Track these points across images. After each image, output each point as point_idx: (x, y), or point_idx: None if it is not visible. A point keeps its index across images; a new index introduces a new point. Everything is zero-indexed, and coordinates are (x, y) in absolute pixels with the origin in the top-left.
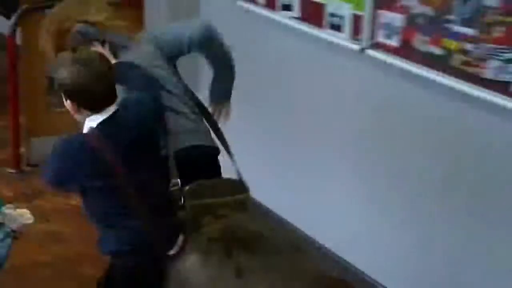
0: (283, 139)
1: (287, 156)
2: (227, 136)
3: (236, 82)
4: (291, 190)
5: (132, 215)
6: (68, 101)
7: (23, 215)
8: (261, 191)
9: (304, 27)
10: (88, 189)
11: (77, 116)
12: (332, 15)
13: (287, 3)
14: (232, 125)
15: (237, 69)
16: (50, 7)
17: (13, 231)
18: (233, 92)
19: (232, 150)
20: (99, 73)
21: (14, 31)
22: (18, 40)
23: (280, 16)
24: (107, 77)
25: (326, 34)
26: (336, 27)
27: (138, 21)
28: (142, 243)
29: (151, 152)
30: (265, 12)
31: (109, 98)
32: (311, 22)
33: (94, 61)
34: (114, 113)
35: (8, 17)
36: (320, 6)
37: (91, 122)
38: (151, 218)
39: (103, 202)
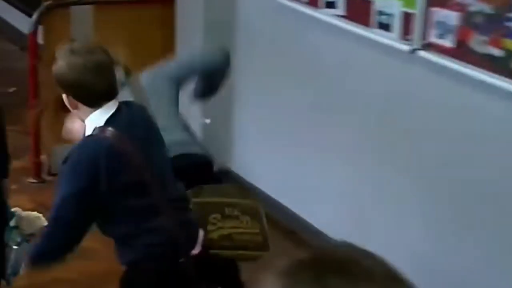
0: (320, 142)
1: (327, 159)
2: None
3: (273, 83)
4: (345, 197)
5: (159, 213)
6: (65, 95)
7: (40, 218)
8: (315, 200)
9: (349, 26)
10: (111, 194)
11: (77, 113)
12: (380, 13)
13: (331, 0)
14: (264, 126)
15: (276, 69)
16: (75, 3)
17: (29, 235)
18: (278, 93)
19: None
20: (98, 65)
21: (35, 29)
22: (40, 39)
23: (323, 14)
24: (107, 69)
25: (373, 34)
26: (385, 26)
27: (167, 20)
28: (171, 242)
29: (160, 147)
30: (307, 10)
31: (109, 93)
32: (357, 20)
33: (93, 52)
34: (119, 108)
35: (29, 14)
36: (367, 4)
37: (96, 120)
38: (175, 215)
39: (128, 206)
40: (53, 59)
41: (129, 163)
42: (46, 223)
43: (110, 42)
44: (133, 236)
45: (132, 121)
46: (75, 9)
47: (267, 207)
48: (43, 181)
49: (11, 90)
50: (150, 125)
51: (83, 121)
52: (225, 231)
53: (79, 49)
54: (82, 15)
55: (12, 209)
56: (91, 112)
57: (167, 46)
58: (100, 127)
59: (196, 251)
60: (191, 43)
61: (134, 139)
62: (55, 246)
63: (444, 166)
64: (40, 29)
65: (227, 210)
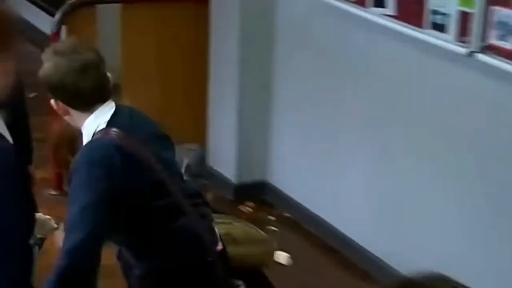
0: (364, 153)
1: (372, 172)
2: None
3: (315, 88)
4: (389, 213)
5: (182, 213)
6: (53, 100)
7: (50, 220)
8: (357, 215)
9: (400, 27)
10: (131, 195)
11: (69, 119)
12: (435, 12)
13: None
14: (304, 135)
15: (318, 73)
16: (101, 2)
17: (40, 239)
18: (319, 100)
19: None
20: (85, 65)
21: (58, 30)
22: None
23: (371, 14)
24: (95, 69)
25: (427, 35)
26: (439, 27)
27: (201, 19)
28: (197, 241)
29: (166, 144)
30: (353, 9)
31: (100, 94)
32: (409, 20)
33: (78, 51)
34: (117, 109)
35: (52, 14)
36: (420, 2)
37: (93, 125)
38: (195, 212)
39: (150, 207)
40: None
41: (141, 163)
42: (56, 226)
43: (139, 43)
44: (156, 240)
45: (135, 121)
46: (101, 8)
47: (306, 222)
48: (65, 194)
49: (32, 95)
50: (152, 124)
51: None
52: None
53: (64, 49)
54: (109, 14)
55: None
56: (84, 118)
57: (201, 48)
58: (102, 129)
59: (219, 247)
60: (226, 43)
61: (140, 138)
62: (83, 261)
63: (508, 173)
64: (64, 29)
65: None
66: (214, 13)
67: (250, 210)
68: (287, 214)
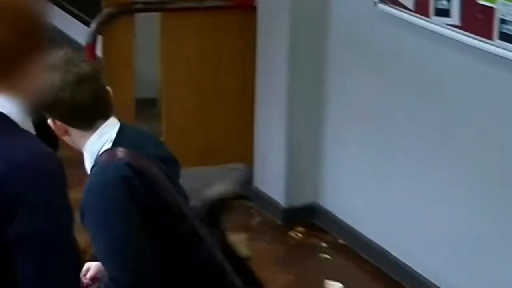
0: (427, 175)
1: (436, 196)
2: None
3: (371, 104)
4: (458, 241)
5: (198, 240)
6: (51, 120)
7: None
8: (422, 244)
9: (465, 37)
10: (155, 227)
11: (69, 140)
12: (504, 21)
13: (443, 7)
14: (359, 154)
15: (375, 87)
16: (141, 10)
17: None
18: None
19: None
20: (79, 76)
21: (94, 40)
22: (99, 51)
23: (433, 24)
24: (92, 80)
25: (494, 46)
26: (508, 38)
27: (247, 28)
28: (217, 267)
29: (172, 169)
30: (414, 18)
31: (100, 108)
32: (476, 31)
33: (71, 62)
34: (122, 128)
35: (87, 23)
36: (489, 11)
37: (97, 145)
38: (208, 234)
39: (165, 235)
40: (115, 74)
41: (155, 182)
42: None
43: (179, 55)
44: (178, 270)
45: (142, 140)
46: (139, 17)
47: (361, 249)
48: None
49: None
50: (158, 144)
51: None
52: None
53: (57, 62)
54: (148, 23)
55: None
56: (86, 137)
57: (246, 59)
58: (107, 149)
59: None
60: (274, 55)
61: (149, 157)
62: None
63: None
64: (100, 40)
65: None
66: (262, 22)
67: (300, 235)
68: (340, 240)
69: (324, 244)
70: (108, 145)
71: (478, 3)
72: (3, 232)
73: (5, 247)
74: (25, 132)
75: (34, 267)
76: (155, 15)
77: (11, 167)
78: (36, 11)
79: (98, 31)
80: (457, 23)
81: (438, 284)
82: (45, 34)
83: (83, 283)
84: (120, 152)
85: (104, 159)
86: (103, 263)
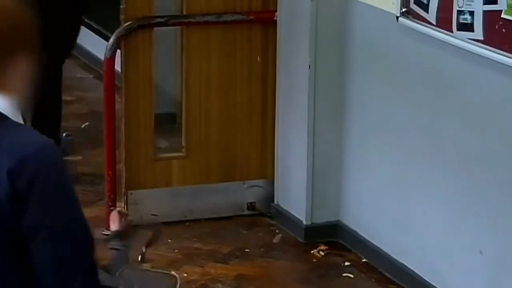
0: (452, 192)
1: (463, 214)
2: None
3: (394, 119)
4: (485, 260)
5: None
6: None
7: None
8: (448, 263)
9: (489, 52)
10: None
11: None
12: None
13: (466, 21)
14: (383, 170)
15: (397, 102)
16: (161, 24)
17: None
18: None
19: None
20: None
21: (113, 54)
22: (118, 65)
23: (456, 38)
24: None
25: None
26: None
27: (270, 43)
28: None
29: None
30: (436, 33)
31: None
32: (499, 46)
33: None
34: None
35: (106, 37)
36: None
37: None
38: None
39: None
40: (134, 89)
41: None
42: None
43: (200, 68)
44: None
45: None
46: (159, 31)
47: (386, 269)
48: None
49: (83, 125)
50: None
51: None
52: None
53: None
54: (167, 37)
55: None
56: None
57: (267, 73)
58: None
59: None
60: (295, 69)
61: None
62: None
63: None
64: (118, 54)
65: None
66: (282, 36)
67: (323, 254)
68: (364, 260)
69: (347, 263)
70: None
71: (502, 18)
72: (18, 224)
73: (21, 238)
74: (24, 126)
75: (51, 255)
76: (174, 29)
77: (20, 162)
78: (22, 9)
79: (117, 45)
80: (480, 37)
81: None
82: (33, 31)
83: None
84: None
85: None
86: None
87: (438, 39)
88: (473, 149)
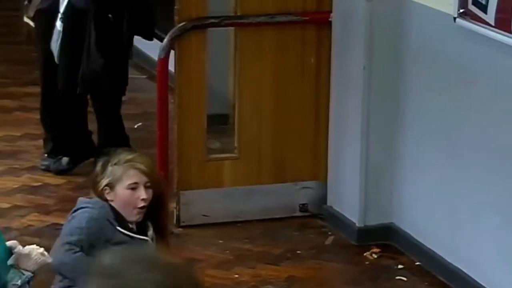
0: (505, 195)
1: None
2: None
3: (451, 120)
4: None
5: None
6: None
7: (44, 254)
8: (501, 268)
9: None
10: None
11: None
12: None
13: None
14: (438, 173)
15: (455, 103)
16: (214, 25)
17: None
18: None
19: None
20: None
21: (166, 55)
22: (171, 66)
23: None
24: None
25: None
26: None
27: (322, 43)
28: None
29: None
30: (495, 34)
31: None
32: None
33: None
34: None
35: (160, 38)
36: None
37: None
38: None
39: None
40: (187, 90)
41: None
42: (50, 260)
43: (253, 70)
44: None
45: None
46: (213, 32)
47: (439, 272)
48: (170, 233)
49: (136, 126)
50: None
51: None
52: None
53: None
54: (221, 38)
55: (8, 243)
56: None
57: (322, 74)
58: None
59: None
60: (350, 69)
61: None
62: None
63: None
64: (172, 55)
65: None
66: (337, 37)
67: (375, 256)
68: (417, 263)
69: (400, 266)
70: None
71: None
72: None
73: None
74: None
75: None
76: (228, 30)
77: None
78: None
79: (171, 46)
80: None
81: None
82: None
83: None
84: None
85: None
86: None
87: (497, 41)
88: None
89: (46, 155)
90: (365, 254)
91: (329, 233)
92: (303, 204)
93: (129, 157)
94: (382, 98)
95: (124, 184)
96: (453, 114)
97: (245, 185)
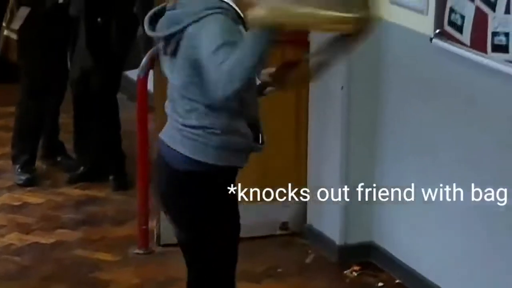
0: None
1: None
2: None
3: (427, 140)
4: None
5: None
6: None
7: None
8: None
9: None
10: None
11: None
12: None
13: (500, 43)
14: (419, 190)
15: (431, 119)
16: None
17: None
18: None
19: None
20: None
21: (145, 75)
22: (150, 85)
23: (491, 60)
24: None
25: None
26: None
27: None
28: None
29: None
30: (470, 54)
31: None
32: None
33: None
34: None
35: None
36: None
37: None
38: None
39: None
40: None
41: None
42: None
43: None
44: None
45: None
46: None
47: None
48: (151, 252)
49: None
50: None
51: None
52: None
53: None
54: None
55: None
56: None
57: (300, 93)
58: None
59: None
60: (328, 89)
61: None
62: None
63: None
64: (151, 74)
65: None
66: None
67: (356, 274)
68: (397, 280)
69: (380, 283)
70: None
71: None
72: None
73: None
74: None
75: None
76: None
77: None
78: None
79: (150, 65)
80: None
81: None
82: None
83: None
84: None
85: None
86: None
87: (472, 60)
88: (510, 168)
89: (19, 169)
90: (345, 272)
91: (310, 251)
92: (284, 223)
93: None
94: (361, 118)
95: None
96: (432, 133)
97: None
